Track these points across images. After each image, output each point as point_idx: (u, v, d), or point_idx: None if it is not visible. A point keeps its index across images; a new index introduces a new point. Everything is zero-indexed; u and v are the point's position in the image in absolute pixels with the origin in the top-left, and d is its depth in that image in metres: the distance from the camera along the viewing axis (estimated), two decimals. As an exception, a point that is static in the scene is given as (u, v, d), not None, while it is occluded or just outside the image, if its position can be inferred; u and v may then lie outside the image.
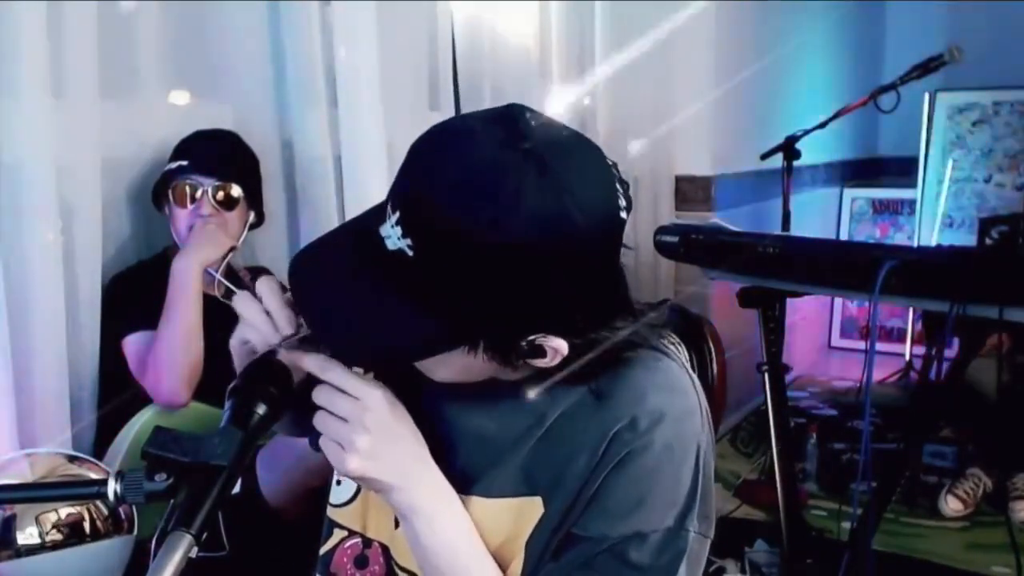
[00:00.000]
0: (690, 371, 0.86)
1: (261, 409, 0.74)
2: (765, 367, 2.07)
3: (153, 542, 0.70)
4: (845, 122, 2.85)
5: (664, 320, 0.87)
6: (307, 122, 1.96)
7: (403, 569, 0.90)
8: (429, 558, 0.82)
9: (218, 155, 1.71)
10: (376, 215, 0.73)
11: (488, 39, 2.42)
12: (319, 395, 0.77)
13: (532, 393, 0.82)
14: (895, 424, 2.98)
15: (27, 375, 1.47)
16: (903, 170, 4.20)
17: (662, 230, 2.19)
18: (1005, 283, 1.62)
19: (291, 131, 1.98)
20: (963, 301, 1.64)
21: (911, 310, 3.90)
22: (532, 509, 0.82)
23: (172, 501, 0.68)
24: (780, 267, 1.93)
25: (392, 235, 0.69)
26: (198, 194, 1.68)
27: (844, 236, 4.34)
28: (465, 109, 2.34)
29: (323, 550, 0.95)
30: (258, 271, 1.79)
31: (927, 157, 3.88)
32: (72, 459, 1.39)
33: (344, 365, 0.77)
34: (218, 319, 1.51)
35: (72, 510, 1.26)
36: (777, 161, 2.79)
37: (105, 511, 1.30)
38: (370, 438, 0.75)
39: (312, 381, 0.78)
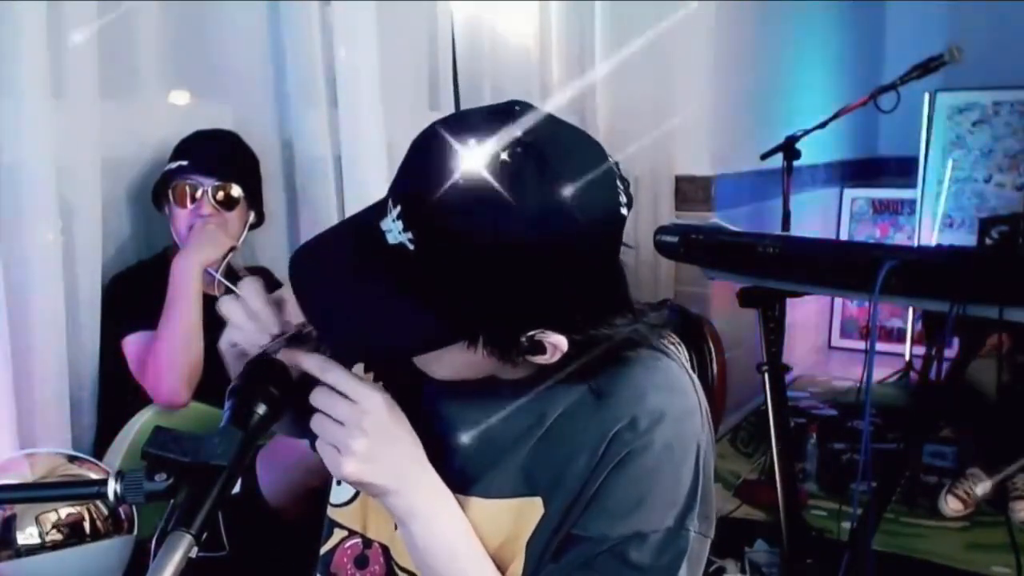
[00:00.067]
0: (690, 371, 0.86)
1: (261, 409, 0.74)
2: (765, 367, 2.07)
3: (153, 542, 0.70)
4: (845, 122, 2.85)
5: (664, 320, 0.86)
6: (307, 122, 1.96)
7: (403, 569, 0.90)
8: (427, 560, 0.82)
9: (218, 155, 1.71)
10: (377, 210, 0.73)
11: (488, 39, 2.43)
12: (317, 397, 0.77)
13: (532, 392, 0.83)
14: (895, 424, 2.98)
15: (27, 375, 1.47)
16: (903, 170, 4.20)
17: (662, 230, 2.18)
18: (1005, 283, 1.62)
19: (291, 131, 1.98)
20: (963, 301, 1.63)
21: (911, 310, 3.90)
22: (532, 510, 0.82)
23: (172, 501, 0.68)
24: (780, 267, 1.92)
25: (393, 229, 0.70)
26: (198, 194, 1.68)
27: (844, 236, 4.34)
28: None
29: (323, 550, 0.95)
30: (258, 271, 1.79)
31: (927, 157, 3.88)
32: (72, 459, 1.39)
33: (344, 367, 0.77)
34: (218, 319, 1.51)
35: (72, 510, 1.26)
36: (777, 161, 2.79)
37: (105, 511, 1.30)
38: (366, 442, 0.75)
39: (311, 382, 0.78)
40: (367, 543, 0.93)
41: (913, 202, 4.01)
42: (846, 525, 2.13)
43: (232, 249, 1.69)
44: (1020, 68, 3.65)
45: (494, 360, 0.76)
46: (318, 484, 1.05)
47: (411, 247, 0.69)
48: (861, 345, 4.15)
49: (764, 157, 2.82)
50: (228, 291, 1.66)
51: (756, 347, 2.10)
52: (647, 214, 2.97)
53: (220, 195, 1.69)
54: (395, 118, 2.03)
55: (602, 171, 0.72)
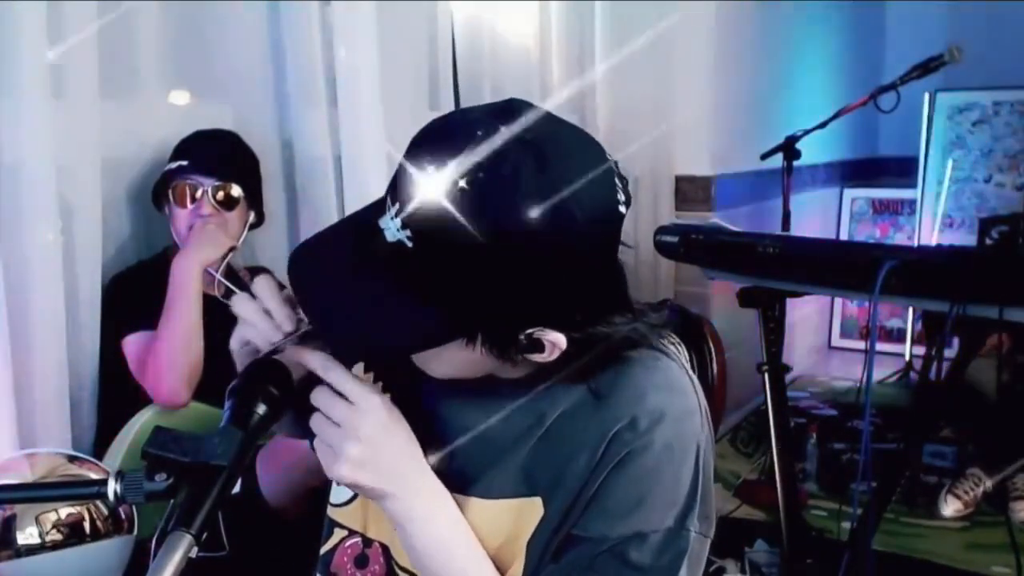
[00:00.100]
0: (690, 371, 0.86)
1: (261, 409, 0.74)
2: (765, 367, 2.07)
3: (153, 542, 0.70)
4: (845, 122, 2.85)
5: (664, 320, 0.86)
6: (307, 122, 1.96)
7: (403, 569, 0.90)
8: (424, 562, 0.82)
9: (218, 155, 1.71)
10: (376, 209, 0.73)
11: (488, 39, 2.43)
12: (317, 397, 0.77)
13: (531, 392, 0.83)
14: (895, 424, 2.98)
15: (27, 375, 1.47)
16: (903, 170, 4.20)
17: (662, 230, 2.18)
18: (1005, 283, 1.62)
19: (291, 131, 1.98)
20: (963, 301, 1.63)
21: (911, 310, 3.90)
22: (532, 510, 0.82)
23: (172, 501, 0.68)
24: (780, 267, 1.93)
25: (391, 227, 0.70)
26: (198, 194, 1.68)
27: (844, 236, 4.34)
28: (465, 109, 2.34)
29: (323, 550, 0.95)
30: (258, 271, 1.79)
31: (927, 157, 3.88)
32: (72, 459, 1.39)
33: (345, 367, 0.77)
34: (218, 319, 1.51)
35: (72, 510, 1.26)
36: (777, 161, 2.79)
37: (105, 511, 1.30)
38: (361, 447, 0.75)
39: (312, 381, 0.78)
40: (367, 543, 0.93)
41: (913, 202, 4.01)
42: (846, 525, 2.13)
43: (232, 249, 1.69)
44: (1020, 68, 3.65)
45: (493, 358, 0.76)
46: (318, 484, 1.05)
47: (409, 244, 0.69)
48: (861, 345, 4.15)
49: (764, 157, 2.82)
50: (228, 291, 1.66)
51: (756, 347, 2.10)
52: (647, 214, 2.97)
53: (220, 195, 1.69)
54: (395, 118, 2.03)
55: (601, 169, 0.72)
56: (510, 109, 0.71)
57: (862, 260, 1.76)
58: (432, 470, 0.83)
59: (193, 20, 1.83)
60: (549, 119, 0.73)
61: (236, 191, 1.71)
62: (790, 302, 2.15)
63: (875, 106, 2.68)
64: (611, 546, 0.78)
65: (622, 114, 2.91)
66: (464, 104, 2.37)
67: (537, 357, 0.76)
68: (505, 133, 0.68)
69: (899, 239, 4.22)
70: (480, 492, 0.84)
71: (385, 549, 0.92)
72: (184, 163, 1.67)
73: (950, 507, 2.59)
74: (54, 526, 1.25)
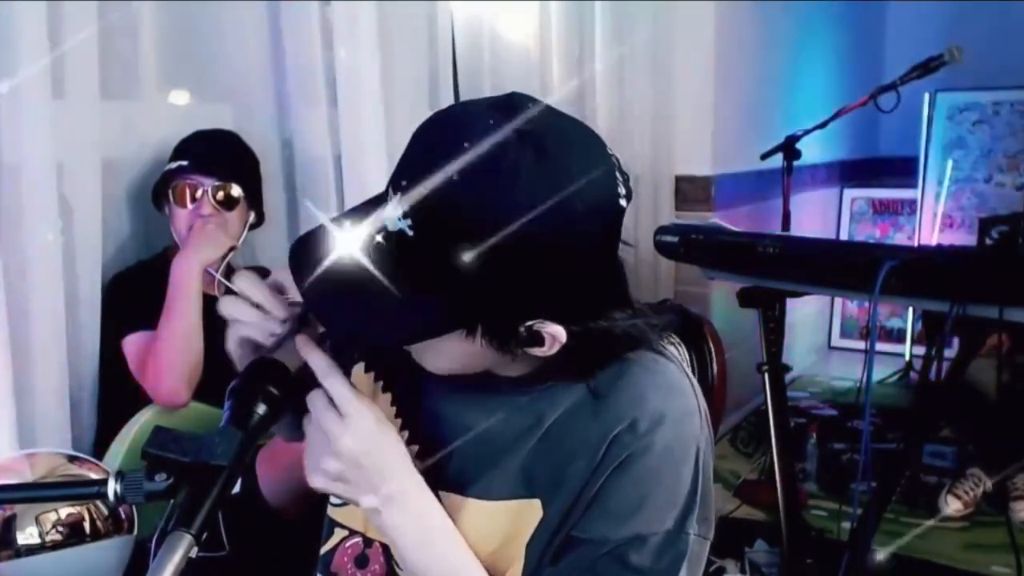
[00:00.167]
0: (689, 373, 0.86)
1: (261, 409, 0.74)
2: (765, 367, 2.07)
3: (153, 542, 0.69)
4: (845, 122, 2.85)
5: (666, 322, 0.86)
6: (307, 122, 1.96)
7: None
8: (409, 566, 0.82)
9: (218, 155, 1.71)
10: (378, 201, 0.73)
11: (488, 39, 2.42)
12: (312, 399, 0.78)
13: (531, 392, 0.82)
14: (895, 424, 2.98)
15: (27, 375, 1.47)
16: (903, 170, 4.20)
17: (662, 230, 2.19)
18: (1005, 283, 1.62)
19: (291, 131, 1.98)
20: (963, 301, 1.63)
21: (911, 310, 3.90)
22: (531, 512, 0.82)
23: (172, 501, 0.68)
24: (780, 267, 1.93)
25: (393, 216, 0.70)
26: (198, 194, 1.68)
27: (844, 236, 4.34)
28: (465, 109, 2.34)
29: (324, 550, 0.95)
30: (258, 271, 1.79)
31: (927, 157, 3.88)
32: (72, 459, 1.39)
33: (344, 371, 0.77)
34: (218, 319, 1.51)
35: (72, 510, 1.26)
36: (777, 161, 2.79)
37: (105, 511, 1.29)
38: (338, 462, 0.76)
39: (309, 381, 0.78)
40: (367, 542, 0.93)
41: (913, 202, 4.02)
42: (846, 525, 2.13)
43: (232, 249, 1.69)
44: (1020, 68, 3.65)
45: (493, 351, 0.76)
46: (318, 484, 1.05)
47: (410, 233, 0.69)
48: (861, 345, 4.15)
49: (764, 157, 2.82)
50: (228, 291, 1.66)
51: (756, 347, 2.10)
52: (647, 214, 2.97)
53: (220, 195, 1.69)
54: (395, 118, 2.03)
55: (601, 161, 0.72)
56: (511, 102, 0.72)
57: (862, 260, 1.76)
58: (430, 471, 0.83)
59: (193, 20, 1.83)
60: (550, 112, 0.73)
61: (236, 191, 1.71)
62: (790, 302, 2.15)
63: (875, 106, 2.68)
64: (611, 549, 0.78)
65: (622, 114, 2.91)
66: (464, 104, 2.37)
67: (537, 351, 0.76)
68: (506, 124, 0.69)
69: (899, 239, 4.23)
70: (479, 493, 0.84)
71: (385, 549, 0.92)
72: (184, 163, 1.67)
73: (950, 507, 2.59)
74: (54, 526, 1.25)
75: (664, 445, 0.79)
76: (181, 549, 0.64)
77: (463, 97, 2.39)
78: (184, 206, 1.68)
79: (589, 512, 0.80)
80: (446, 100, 2.34)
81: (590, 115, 2.83)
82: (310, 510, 1.06)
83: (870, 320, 1.98)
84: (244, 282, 0.81)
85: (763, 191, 3.25)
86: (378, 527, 0.81)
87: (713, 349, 1.16)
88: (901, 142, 4.22)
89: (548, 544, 0.81)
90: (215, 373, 1.56)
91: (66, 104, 1.52)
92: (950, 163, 3.86)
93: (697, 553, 0.81)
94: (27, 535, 1.23)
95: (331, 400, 0.77)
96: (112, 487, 0.70)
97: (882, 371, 3.78)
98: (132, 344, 1.62)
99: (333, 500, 0.95)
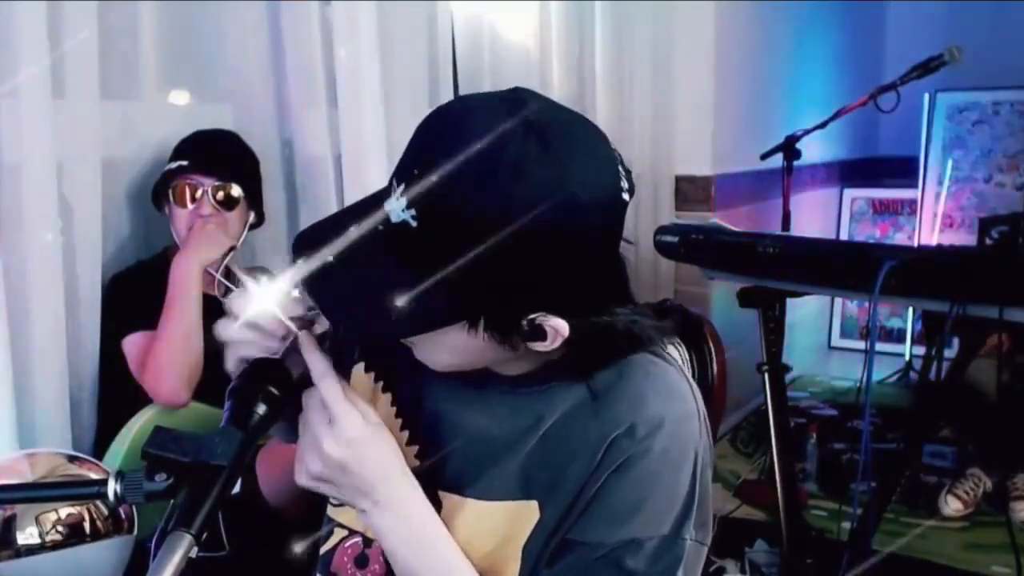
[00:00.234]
0: (688, 376, 0.86)
1: (261, 409, 0.74)
2: (765, 367, 2.07)
3: (153, 542, 0.70)
4: (845, 122, 2.85)
5: (669, 326, 0.86)
6: (307, 122, 1.96)
7: (403, 569, 0.90)
8: (399, 568, 0.82)
9: (218, 155, 1.71)
10: (381, 194, 0.74)
11: (488, 39, 2.42)
12: (307, 398, 0.78)
13: (531, 392, 0.82)
14: (895, 424, 2.98)
15: (27, 375, 1.47)
16: (903, 170, 4.20)
17: (662, 230, 2.19)
18: (1005, 283, 1.62)
19: (291, 131, 1.98)
20: (963, 301, 1.64)
21: (911, 310, 3.90)
22: (528, 513, 0.82)
23: (172, 501, 0.68)
24: (780, 267, 1.93)
25: (396, 207, 0.70)
26: (198, 194, 1.68)
27: (844, 236, 4.34)
28: (465, 109, 2.34)
29: (323, 550, 0.95)
30: (258, 271, 1.79)
31: (927, 157, 3.88)
32: (72, 459, 1.39)
33: (342, 380, 0.78)
34: (218, 319, 1.51)
35: (72, 510, 1.26)
36: (777, 161, 2.79)
37: (105, 511, 1.30)
38: (323, 466, 0.77)
39: (309, 382, 0.78)
40: (367, 542, 0.93)
41: (913, 202, 4.02)
42: (846, 525, 2.13)
43: (232, 249, 1.69)
44: (1020, 68, 3.65)
45: (494, 345, 0.75)
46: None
47: (414, 224, 0.69)
48: (861, 345, 4.15)
49: (764, 157, 2.82)
50: (228, 291, 1.66)
51: (756, 347, 2.10)
52: (647, 214, 2.97)
53: (220, 195, 1.69)
54: (395, 118, 2.03)
55: (604, 155, 0.73)
56: (514, 95, 0.72)
57: (862, 260, 1.76)
58: (429, 471, 0.83)
59: (193, 20, 1.83)
60: (553, 105, 0.73)
61: (236, 191, 1.71)
62: (790, 302, 2.15)
63: (875, 106, 2.68)
64: (606, 552, 0.78)
65: (622, 114, 2.91)
66: (464, 104, 2.37)
67: (539, 346, 0.76)
68: (509, 116, 0.69)
69: (899, 239, 4.23)
70: (476, 493, 0.84)
71: (385, 549, 0.92)
72: (184, 163, 1.67)
73: (950, 507, 2.59)
74: (54, 526, 1.25)
75: (662, 449, 0.78)
76: (181, 549, 0.64)
77: (463, 96, 2.39)
78: (184, 206, 1.68)
79: (585, 515, 0.79)
80: (446, 100, 2.34)
81: (590, 115, 2.82)
82: (310, 510, 1.06)
83: (870, 320, 1.98)
84: (236, 304, 0.80)
85: (763, 191, 3.25)
86: (368, 528, 0.81)
87: (713, 349, 1.15)
88: (901, 142, 4.22)
89: (544, 546, 0.81)
90: (215, 373, 1.56)
91: (66, 104, 1.52)
92: (950, 163, 3.87)
93: (693, 558, 0.80)
94: (27, 535, 1.23)
95: (324, 401, 0.77)
96: (112, 487, 0.70)
97: (882, 371, 3.77)
98: (132, 344, 1.62)
99: (333, 500, 0.95)
